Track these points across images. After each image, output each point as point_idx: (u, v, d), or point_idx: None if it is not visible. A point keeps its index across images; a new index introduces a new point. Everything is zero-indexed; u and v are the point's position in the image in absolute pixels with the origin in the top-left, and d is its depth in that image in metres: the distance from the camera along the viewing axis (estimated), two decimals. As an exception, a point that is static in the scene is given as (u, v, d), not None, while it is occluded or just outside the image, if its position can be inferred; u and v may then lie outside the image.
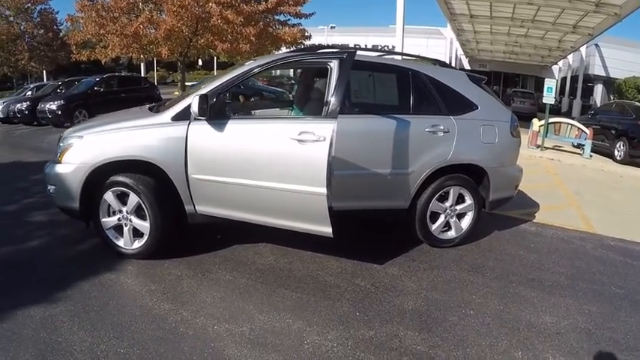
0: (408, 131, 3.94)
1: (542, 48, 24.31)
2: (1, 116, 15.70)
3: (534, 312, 3.26)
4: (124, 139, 3.64)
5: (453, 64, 25.65)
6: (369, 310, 3.15)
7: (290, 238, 3.70)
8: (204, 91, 3.54)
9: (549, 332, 3.02)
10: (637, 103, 13.10)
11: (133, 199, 3.64)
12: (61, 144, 3.81)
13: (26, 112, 14.83)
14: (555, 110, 22.82)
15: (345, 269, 3.75)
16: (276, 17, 18.15)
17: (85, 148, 3.67)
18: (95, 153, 3.61)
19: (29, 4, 25.78)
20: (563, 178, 8.49)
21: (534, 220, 5.44)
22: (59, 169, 3.70)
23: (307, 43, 18.66)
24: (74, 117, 13.36)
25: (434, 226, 4.23)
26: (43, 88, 17.66)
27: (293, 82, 17.27)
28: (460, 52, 31.33)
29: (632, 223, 5.77)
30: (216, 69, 34.33)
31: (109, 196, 3.69)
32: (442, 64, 4.74)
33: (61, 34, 25.02)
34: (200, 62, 34.91)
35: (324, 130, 3.22)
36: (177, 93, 17.04)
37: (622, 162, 10.71)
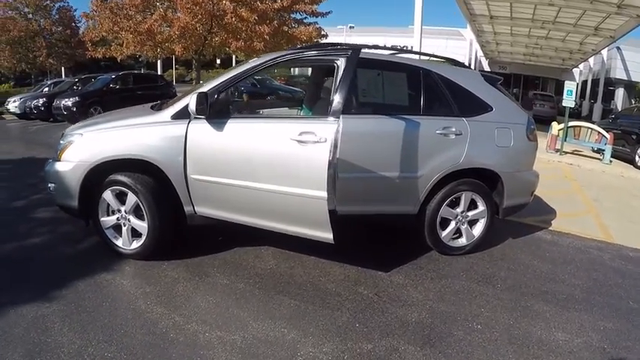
0: (417, 133, 3.76)
1: (563, 50, 23.88)
2: (18, 112, 16.03)
3: (546, 328, 3.06)
4: (123, 137, 3.58)
5: (473, 66, 25.28)
6: (370, 321, 3.00)
7: (293, 242, 3.57)
8: (204, 89, 3.44)
9: (561, 350, 2.82)
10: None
11: (131, 198, 3.57)
12: (62, 141, 3.78)
13: (42, 109, 15.06)
14: (575, 114, 22.39)
15: (348, 276, 3.60)
16: (292, 16, 18.05)
17: (84, 146, 3.62)
18: (94, 151, 3.56)
19: (48, 2, 26.23)
20: (582, 184, 8.21)
21: (550, 228, 5.21)
22: (58, 166, 3.67)
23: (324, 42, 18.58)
24: (89, 114, 13.38)
25: (444, 233, 4.06)
26: (60, 84, 17.93)
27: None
28: (480, 53, 30.95)
29: (654, 233, 5.48)
30: (235, 68, 34.36)
31: (107, 195, 3.63)
32: (456, 63, 4.54)
33: (79, 32, 25.34)
34: (218, 61, 35.02)
35: (325, 130, 3.07)
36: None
37: (643, 168, 10.33)
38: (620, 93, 27.75)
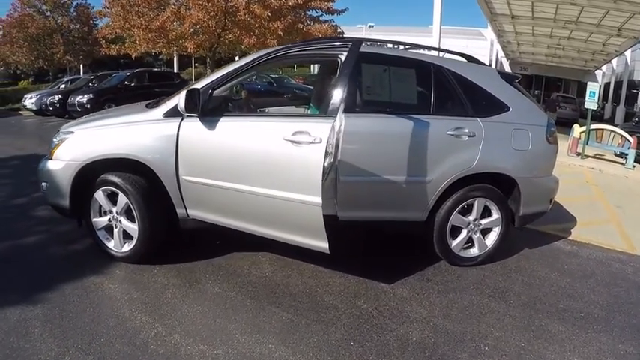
0: (427, 134, 3.50)
1: (586, 51, 23.30)
2: (35, 108, 16.26)
3: (560, 351, 2.77)
4: (113, 136, 3.44)
5: (494, 67, 24.81)
6: (367, 339, 2.75)
7: (293, 248, 3.33)
8: (196, 85, 3.26)
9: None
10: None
11: (122, 199, 3.43)
12: (55, 139, 3.68)
13: (57, 105, 15.22)
14: (598, 117, 21.87)
15: (347, 287, 3.36)
16: (308, 13, 17.81)
17: (75, 144, 3.51)
18: (85, 150, 3.45)
19: (66, -1, 26.57)
20: (604, 190, 7.82)
21: (569, 238, 4.88)
22: (50, 165, 3.58)
23: None
24: (104, 110, 13.49)
25: (454, 242, 3.78)
26: (76, 81, 18.09)
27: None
28: (501, 54, 30.45)
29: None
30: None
31: (99, 196, 3.51)
32: (470, 59, 4.25)
33: (97, 29, 25.61)
34: (237, 58, 35.08)
35: (320, 130, 2.83)
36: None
37: (668, 174, 9.88)
38: (643, 95, 27.03)
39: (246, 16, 14.07)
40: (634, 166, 10.34)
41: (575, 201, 6.38)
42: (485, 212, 3.80)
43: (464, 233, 3.80)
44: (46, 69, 28.13)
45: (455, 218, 3.72)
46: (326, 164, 3.29)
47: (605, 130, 11.29)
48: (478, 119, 3.65)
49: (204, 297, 3.14)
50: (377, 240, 4.30)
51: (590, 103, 10.95)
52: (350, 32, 20.70)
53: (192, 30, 14.71)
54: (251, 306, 3.05)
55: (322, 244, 2.89)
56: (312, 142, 2.83)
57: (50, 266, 3.53)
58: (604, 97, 29.19)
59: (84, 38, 26.90)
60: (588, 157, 11.07)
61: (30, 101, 16.59)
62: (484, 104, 3.74)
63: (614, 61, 27.15)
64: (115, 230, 3.55)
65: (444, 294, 3.37)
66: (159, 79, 16.21)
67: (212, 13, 14.00)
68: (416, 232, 3.81)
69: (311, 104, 4.85)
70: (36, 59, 26.28)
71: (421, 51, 4.27)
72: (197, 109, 3.13)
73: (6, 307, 2.90)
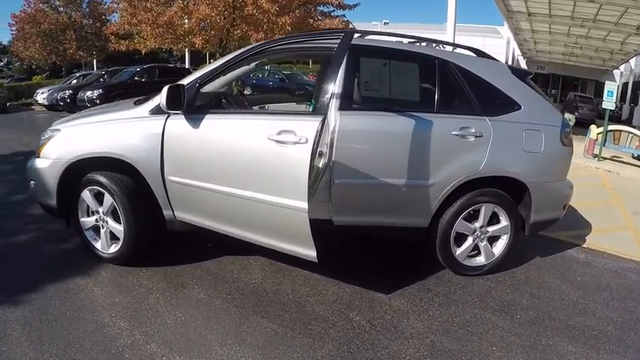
0: (429, 133, 3.26)
1: (604, 50, 22.72)
2: (46, 103, 16.42)
3: (569, 375, 2.53)
4: (98, 133, 3.34)
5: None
6: (355, 356, 2.53)
7: (286, 254, 3.15)
8: (183, 81, 3.11)
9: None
10: None
11: (108, 199, 3.31)
12: (42, 136, 3.59)
13: (68, 100, 15.31)
14: (615, 118, 21.35)
15: (340, 297, 3.14)
16: (319, 9, 17.57)
17: (61, 142, 3.42)
18: (70, 148, 3.35)
19: (79, -5, 26.79)
20: (621, 194, 7.48)
21: (584, 245, 4.60)
22: (37, 163, 3.50)
23: None
24: (114, 106, 13.51)
25: (459, 250, 3.54)
26: (87, 76, 18.19)
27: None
28: (518, 52, 29.91)
29: None
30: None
31: (86, 195, 3.40)
32: (479, 53, 4.00)
33: (107, 24, 25.87)
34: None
35: (306, 129, 2.61)
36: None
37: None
38: (662, 96, 26.31)
39: (254, 10, 13.91)
40: (653, 170, 10.01)
41: (591, 205, 6.08)
42: (493, 219, 3.55)
43: (469, 241, 3.56)
44: (60, 64, 28.42)
45: (460, 225, 3.48)
46: (320, 165, 3.11)
47: (623, 131, 11.04)
48: (486, 118, 3.40)
49: (187, 303, 2.98)
50: (376, 246, 4.07)
51: (608, 103, 10.70)
52: (365, 30, 20.45)
53: (200, 25, 14.59)
54: (235, 315, 2.86)
55: (309, 253, 2.68)
56: (297, 142, 2.63)
57: (38, 266, 3.46)
58: (622, 97, 28.52)
59: (96, 34, 27.11)
60: (605, 159, 10.76)
61: (42, 96, 16.76)
62: (493, 102, 3.49)
63: (632, 61, 26.43)
64: (102, 231, 3.44)
65: (444, 307, 3.13)
66: (170, 74, 16.07)
67: (220, 8, 13.88)
68: (417, 238, 3.58)
69: (312, 101, 4.65)
70: (49, 55, 26.59)
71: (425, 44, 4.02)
72: (181, 106, 2.97)
73: (-12, 308, 2.80)
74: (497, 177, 3.45)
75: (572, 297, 3.45)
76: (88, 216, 3.47)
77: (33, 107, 17.93)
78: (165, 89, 2.90)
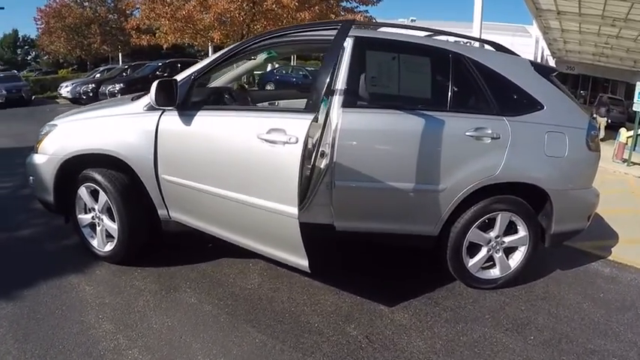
0: (441, 134, 3.00)
1: (635, 51, 21.84)
2: (70, 97, 16.75)
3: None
4: (92, 129, 3.28)
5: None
6: (347, 376, 2.34)
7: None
8: (178, 76, 2.99)
9: None
10: None
11: (103, 197, 3.23)
12: (41, 131, 3.56)
13: (91, 94, 15.63)
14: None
15: (339, 308, 2.93)
16: (342, 4, 17.39)
17: (57, 138, 3.37)
18: (65, 144, 3.30)
19: (104, -10, 27.37)
20: (652, 203, 7.06)
21: (609, 258, 4.25)
22: (35, 159, 3.46)
23: None
24: (135, 100, 13.66)
25: (471, 262, 3.28)
26: (111, 70, 18.49)
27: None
28: (547, 52, 29.14)
29: None
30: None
31: (82, 192, 3.35)
32: (498, 47, 3.70)
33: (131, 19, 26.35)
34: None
35: (297, 127, 2.41)
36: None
37: None
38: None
39: (274, 5, 13.85)
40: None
41: (618, 214, 5.68)
42: (510, 228, 3.28)
43: (483, 251, 3.29)
44: (84, 58, 29.05)
45: (473, 234, 3.22)
46: (322, 165, 2.92)
47: (655, 135, 10.59)
48: (504, 118, 3.12)
49: (177, 308, 2.85)
50: (383, 254, 3.83)
51: (639, 105, 10.27)
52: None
53: (219, 20, 14.59)
54: (225, 323, 2.70)
55: (300, 262, 2.49)
56: (287, 142, 2.43)
57: (36, 262, 3.43)
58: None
59: (121, 28, 27.60)
60: (635, 164, 10.27)
61: (65, 90, 17.12)
62: (512, 101, 3.22)
63: (664, 62, 25.44)
64: (98, 229, 3.38)
65: (451, 323, 2.88)
66: (191, 69, 16.23)
67: (238, 3, 13.86)
68: (426, 247, 3.34)
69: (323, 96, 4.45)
70: (73, 49, 27.23)
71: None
72: (173, 102, 2.85)
73: (-19, 304, 2.79)
74: (516, 183, 3.17)
75: (594, 317, 3.15)
76: (85, 213, 3.41)
77: (57, 100, 18.32)
78: (154, 84, 2.77)
